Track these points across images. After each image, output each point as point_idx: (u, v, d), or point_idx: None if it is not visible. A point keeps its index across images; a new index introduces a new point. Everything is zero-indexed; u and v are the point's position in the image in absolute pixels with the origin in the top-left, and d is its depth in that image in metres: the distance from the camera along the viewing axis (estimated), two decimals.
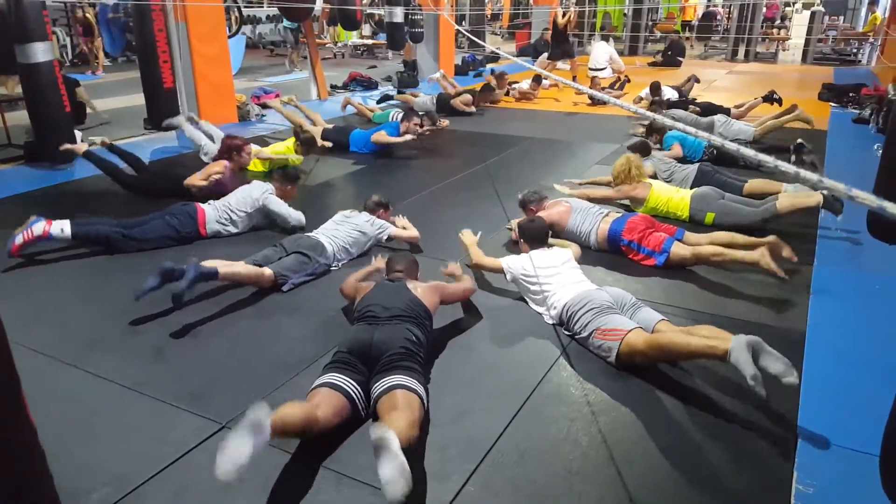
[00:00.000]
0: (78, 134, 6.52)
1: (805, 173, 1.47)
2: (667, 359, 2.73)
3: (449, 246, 4.24)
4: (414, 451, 2.22)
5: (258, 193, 4.46)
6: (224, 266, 3.36)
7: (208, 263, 3.33)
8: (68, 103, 6.10)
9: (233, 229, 4.42)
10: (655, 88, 8.66)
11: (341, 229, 4.02)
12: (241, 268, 3.46)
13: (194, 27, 7.51)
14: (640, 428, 2.50)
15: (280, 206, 4.43)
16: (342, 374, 2.43)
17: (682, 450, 2.37)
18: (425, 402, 2.41)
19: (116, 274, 3.84)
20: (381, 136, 6.67)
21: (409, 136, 6.66)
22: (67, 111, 6.07)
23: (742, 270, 3.80)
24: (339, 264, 3.91)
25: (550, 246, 3.64)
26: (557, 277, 3.32)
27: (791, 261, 3.74)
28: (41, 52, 5.61)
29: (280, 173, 4.64)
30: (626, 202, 4.92)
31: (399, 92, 10.37)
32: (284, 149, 6.05)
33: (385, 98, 9.63)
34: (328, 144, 6.58)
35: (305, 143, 6.02)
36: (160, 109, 6.74)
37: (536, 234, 3.65)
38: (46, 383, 2.75)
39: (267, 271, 3.53)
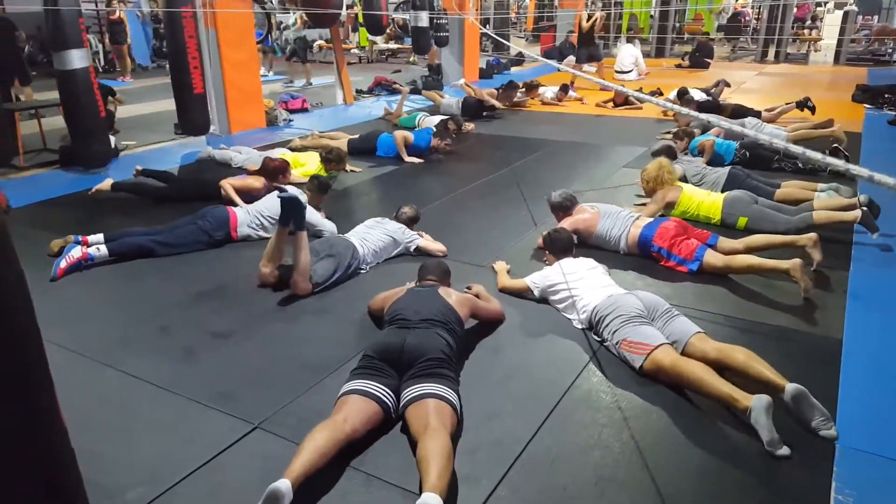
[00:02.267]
0: (112, 139, 6.67)
1: (854, 168, 1.44)
2: (687, 388, 2.65)
3: (474, 250, 4.24)
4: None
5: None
6: (304, 235, 3.50)
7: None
8: (103, 109, 6.24)
9: (263, 234, 4.45)
10: (682, 94, 8.57)
11: (373, 233, 4.04)
12: (307, 254, 3.53)
13: (223, 33, 7.62)
14: (673, 434, 2.47)
15: (312, 216, 4.42)
16: (372, 381, 2.42)
17: (716, 457, 2.33)
18: (459, 410, 2.41)
19: (147, 276, 3.91)
20: (399, 139, 6.63)
21: (414, 159, 6.64)
22: (102, 116, 6.21)
23: (776, 276, 3.72)
24: (368, 267, 3.93)
25: (576, 256, 3.62)
26: (583, 282, 3.31)
27: (818, 263, 3.74)
28: (77, 58, 5.74)
29: (315, 183, 4.62)
30: None
31: (426, 88, 10.39)
32: (318, 168, 6.06)
33: (413, 91, 9.64)
34: (357, 170, 6.40)
35: (335, 162, 5.79)
36: (191, 114, 6.85)
37: (562, 245, 3.64)
38: (81, 382, 2.80)
39: (309, 286, 3.58)
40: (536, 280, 3.51)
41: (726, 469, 2.28)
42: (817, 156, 1.57)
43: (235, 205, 4.69)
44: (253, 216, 4.45)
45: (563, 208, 4.29)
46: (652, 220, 4.15)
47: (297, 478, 1.99)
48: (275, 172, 5.04)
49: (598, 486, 2.20)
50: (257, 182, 5.04)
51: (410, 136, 6.77)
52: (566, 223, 4.11)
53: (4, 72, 7.60)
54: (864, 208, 4.16)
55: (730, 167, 5.28)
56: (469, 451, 2.35)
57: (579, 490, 2.19)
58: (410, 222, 4.26)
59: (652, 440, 2.43)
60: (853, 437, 2.41)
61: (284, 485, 1.93)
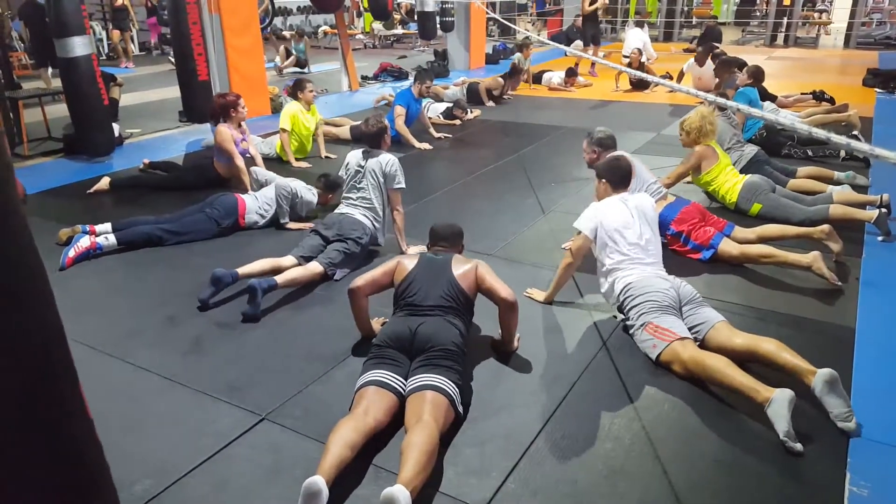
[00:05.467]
0: (116, 127, 6.64)
1: (855, 143, 1.42)
2: (706, 379, 2.60)
3: (482, 238, 4.20)
4: (441, 456, 2.20)
5: (293, 186, 4.48)
6: (281, 277, 3.38)
7: (254, 268, 3.47)
8: (106, 97, 6.21)
9: (266, 220, 4.45)
10: (706, 53, 8.53)
11: (367, 195, 3.87)
12: (296, 273, 3.47)
13: (227, 19, 7.56)
14: (684, 425, 2.44)
15: (282, 196, 4.37)
16: (387, 371, 2.40)
17: (728, 448, 2.31)
18: (457, 402, 2.36)
19: (154, 266, 3.89)
20: (399, 126, 6.52)
21: (426, 146, 6.59)
22: (105, 104, 6.17)
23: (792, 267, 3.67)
24: (384, 237, 3.90)
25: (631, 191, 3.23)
26: (635, 250, 3.03)
27: (839, 254, 3.67)
28: (79, 46, 5.70)
29: (323, 181, 4.59)
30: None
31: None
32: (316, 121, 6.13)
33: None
34: (333, 156, 6.30)
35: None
36: (195, 101, 6.80)
37: (622, 174, 3.18)
38: (89, 373, 2.73)
39: (318, 268, 3.55)
40: (589, 223, 3.08)
41: (739, 460, 2.25)
42: (823, 133, 1.54)
43: (245, 190, 4.67)
44: (262, 202, 4.42)
45: (605, 147, 3.88)
46: (674, 200, 4.02)
47: (330, 475, 1.97)
48: (225, 109, 5.02)
49: (608, 478, 2.18)
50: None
51: (399, 108, 6.59)
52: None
53: (38, 54, 7.59)
54: (883, 209, 4.09)
55: (755, 151, 5.14)
56: (478, 443, 2.33)
57: (590, 482, 2.16)
58: (380, 135, 3.91)
59: (663, 431, 2.40)
60: (867, 427, 2.37)
61: (320, 479, 1.91)
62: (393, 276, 2.79)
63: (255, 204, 4.41)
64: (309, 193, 4.51)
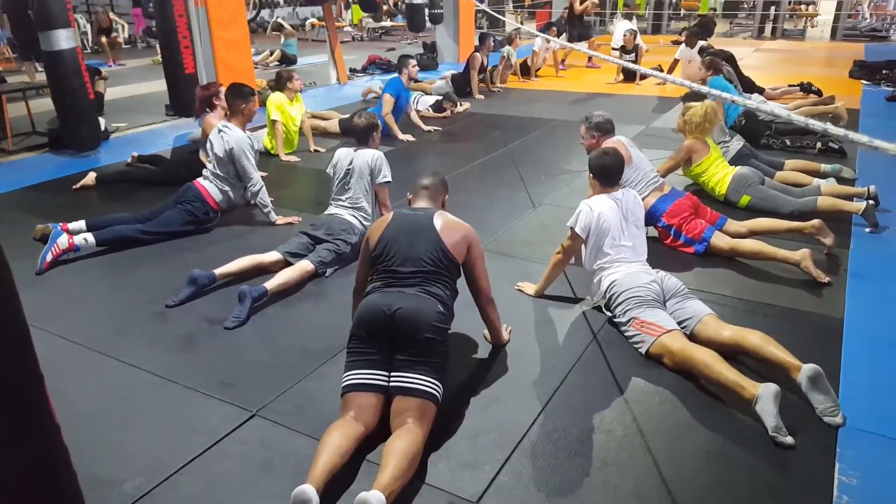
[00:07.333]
0: (101, 121, 6.56)
1: (853, 135, 1.43)
2: (692, 374, 2.61)
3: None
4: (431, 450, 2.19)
5: (232, 144, 4.25)
6: (271, 283, 3.34)
7: (234, 267, 3.50)
8: (91, 91, 6.13)
9: (237, 191, 4.35)
10: (695, 34, 8.60)
11: (355, 196, 3.85)
12: (286, 276, 3.43)
13: (214, 12, 7.46)
14: (676, 418, 2.45)
15: (247, 164, 4.22)
16: (366, 369, 2.29)
17: (719, 440, 2.32)
18: (440, 395, 2.29)
19: (141, 263, 3.84)
20: (385, 114, 6.48)
21: (409, 137, 6.62)
22: (91, 98, 6.10)
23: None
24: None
25: (622, 185, 3.23)
26: (624, 250, 3.05)
27: (831, 247, 3.70)
28: (64, 39, 5.61)
29: (230, 90, 4.43)
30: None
31: (420, 67, 10.23)
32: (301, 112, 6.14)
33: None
34: (322, 150, 6.30)
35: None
36: (182, 95, 6.73)
37: (612, 173, 3.14)
38: (78, 371, 2.77)
39: (309, 266, 3.53)
40: (582, 223, 3.06)
41: (730, 452, 2.26)
42: (819, 124, 1.54)
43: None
44: (215, 179, 4.30)
45: (603, 131, 3.84)
46: (668, 191, 3.98)
47: (320, 484, 1.95)
48: (207, 100, 4.96)
49: (601, 470, 2.19)
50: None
51: (388, 96, 6.59)
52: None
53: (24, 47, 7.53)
54: (870, 201, 4.12)
55: (741, 144, 5.17)
56: (471, 436, 2.33)
57: (582, 474, 2.17)
58: (369, 131, 3.88)
59: (655, 424, 2.41)
60: (856, 417, 2.39)
61: (310, 488, 1.89)
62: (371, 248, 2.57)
63: (214, 185, 4.28)
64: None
